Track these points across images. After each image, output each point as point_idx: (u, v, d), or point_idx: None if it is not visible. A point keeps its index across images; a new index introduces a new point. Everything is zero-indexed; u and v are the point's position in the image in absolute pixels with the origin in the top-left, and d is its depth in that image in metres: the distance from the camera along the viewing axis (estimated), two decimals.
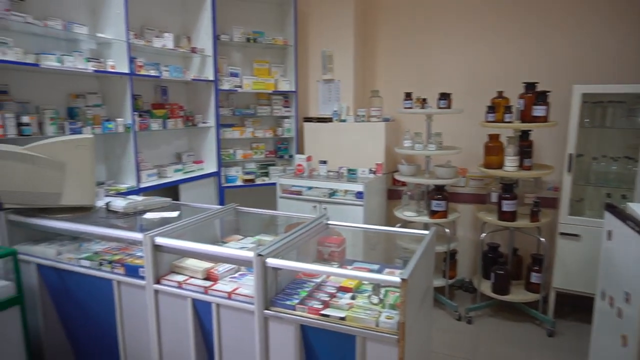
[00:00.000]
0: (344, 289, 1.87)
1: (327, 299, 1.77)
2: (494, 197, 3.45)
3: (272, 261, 1.74)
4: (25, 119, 2.48)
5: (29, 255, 2.34)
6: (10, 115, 2.41)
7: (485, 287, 3.46)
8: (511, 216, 3.24)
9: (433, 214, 3.48)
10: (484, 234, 3.47)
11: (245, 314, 1.79)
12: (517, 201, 3.24)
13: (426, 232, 2.10)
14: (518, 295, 3.35)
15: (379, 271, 2.08)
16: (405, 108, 3.57)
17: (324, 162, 3.96)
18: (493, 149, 3.35)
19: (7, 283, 2.12)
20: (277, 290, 1.81)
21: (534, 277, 3.32)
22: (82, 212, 2.48)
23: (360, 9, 4.20)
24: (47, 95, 2.84)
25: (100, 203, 2.63)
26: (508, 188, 3.24)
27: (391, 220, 3.95)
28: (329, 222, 2.33)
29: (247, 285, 1.88)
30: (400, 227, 3.43)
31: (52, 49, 2.79)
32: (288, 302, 1.73)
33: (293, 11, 4.14)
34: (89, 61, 2.84)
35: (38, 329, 2.38)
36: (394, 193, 4.16)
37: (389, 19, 4.22)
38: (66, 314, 2.36)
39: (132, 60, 3.07)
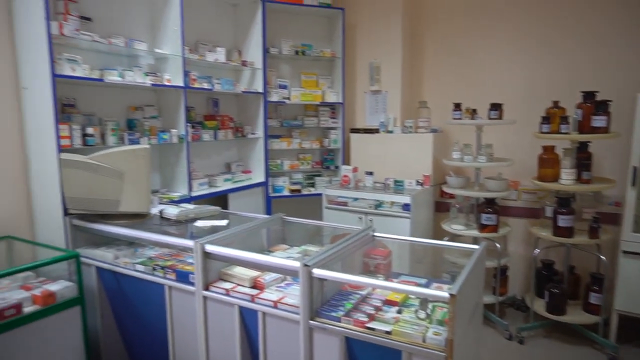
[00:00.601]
0: (390, 303, 1.85)
1: (373, 312, 1.75)
2: (548, 212, 3.30)
3: (318, 272, 1.75)
4: (89, 130, 2.65)
5: (90, 259, 2.48)
6: (77, 127, 2.57)
7: (539, 306, 3.30)
8: (568, 232, 3.08)
9: (483, 227, 3.37)
10: (537, 250, 3.32)
11: (290, 323, 1.81)
12: (574, 216, 3.08)
13: (476, 246, 2.04)
14: (575, 316, 3.17)
15: (426, 285, 2.04)
16: (454, 119, 3.50)
17: (370, 173, 3.95)
18: (548, 161, 3.21)
19: (70, 284, 2.25)
20: (322, 301, 1.82)
21: (593, 298, 3.13)
22: (138, 218, 2.60)
23: (408, 19, 4.19)
24: (109, 108, 3.02)
25: (155, 210, 2.74)
26: (564, 202, 3.09)
27: (438, 234, 3.86)
28: (375, 234, 2.31)
29: (293, 294, 1.90)
30: (448, 240, 3.35)
31: (115, 65, 2.97)
32: (333, 314, 1.73)
33: (341, 24, 4.18)
34: (147, 75, 3.00)
35: (96, 329, 2.51)
36: (441, 205, 4.07)
37: (438, 28, 4.18)
38: (121, 316, 2.48)
39: (186, 74, 3.21)
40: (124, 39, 2.83)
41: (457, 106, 3.50)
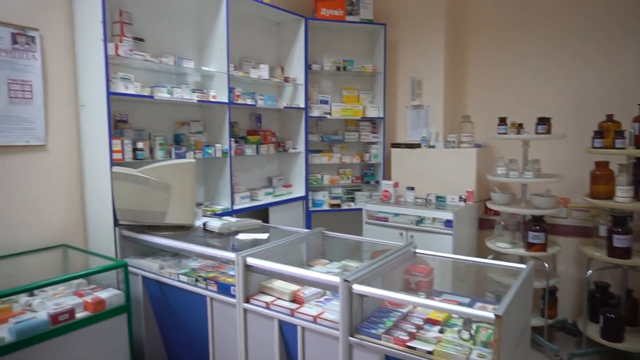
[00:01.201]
0: (431, 322, 1.80)
1: (414, 330, 1.71)
2: (602, 231, 3.12)
3: (358, 287, 1.73)
4: (139, 144, 2.77)
5: (137, 268, 2.58)
6: (128, 141, 2.70)
7: (593, 331, 3.11)
8: (624, 253, 2.90)
9: (530, 246, 3.23)
10: (590, 271, 3.15)
11: (329, 339, 1.80)
12: (631, 236, 2.90)
13: (522, 265, 1.96)
14: (634, 344, 2.96)
15: (470, 305, 1.97)
16: (500, 134, 3.40)
17: (412, 189, 3.90)
18: (601, 178, 3.05)
19: (118, 292, 2.34)
20: (362, 317, 1.79)
21: None
22: (182, 230, 2.68)
23: (450, 32, 4.14)
24: (158, 123, 3.15)
25: (199, 223, 2.82)
26: (620, 221, 2.92)
27: (482, 251, 3.73)
28: (417, 250, 2.27)
29: (332, 310, 1.89)
30: (492, 258, 3.23)
31: (164, 82, 3.10)
32: (373, 331, 1.70)
33: (383, 39, 4.19)
34: (194, 92, 3.11)
35: (141, 336, 2.59)
36: (485, 222, 3.95)
37: (481, 40, 4.11)
38: (164, 324, 2.55)
39: (231, 90, 3.31)
40: (173, 57, 2.96)
41: (502, 120, 3.40)
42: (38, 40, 2.54)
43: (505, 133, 3.38)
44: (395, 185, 3.93)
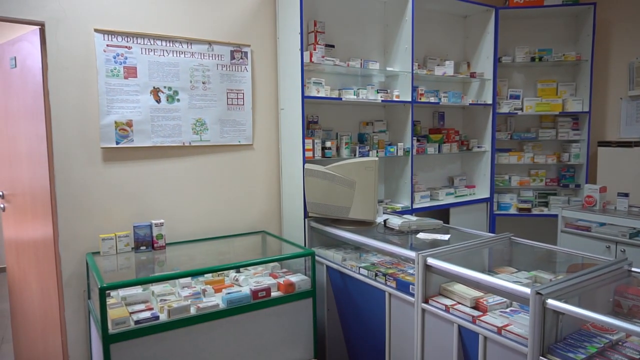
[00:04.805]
0: None
1: None
2: None
3: (553, 303, 1.54)
4: (327, 143, 3.00)
5: (322, 257, 2.79)
6: (318, 141, 2.94)
7: None
8: None
9: None
10: None
11: (516, 354, 1.65)
12: None
13: None
14: None
15: None
16: None
17: (625, 195, 3.29)
18: None
19: (305, 278, 2.58)
20: (557, 337, 1.60)
21: None
22: (364, 225, 2.79)
23: None
24: (344, 123, 3.35)
25: (379, 219, 2.90)
26: None
27: None
28: (633, 269, 1.90)
29: (520, 323, 1.73)
30: None
31: (350, 84, 3.28)
32: (571, 355, 1.50)
33: (591, 21, 3.63)
34: (378, 92, 3.21)
35: (323, 320, 2.80)
36: None
37: None
38: (344, 312, 2.70)
39: (414, 89, 3.31)
40: (360, 60, 3.10)
41: None
42: (249, 54, 2.96)
43: None
44: (602, 190, 3.37)
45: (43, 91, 2.41)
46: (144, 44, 2.60)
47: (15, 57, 2.61)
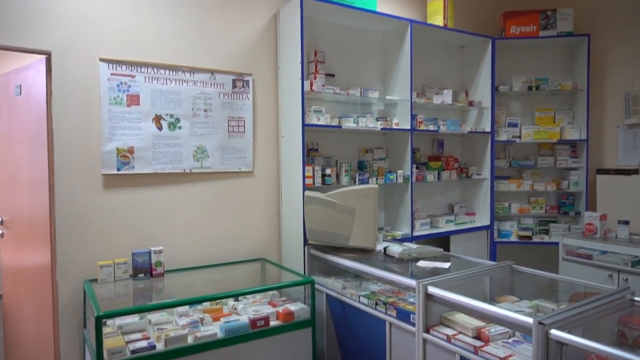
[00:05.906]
0: None
1: None
2: None
3: (556, 333, 1.52)
4: (327, 170, 3.01)
5: (321, 286, 2.76)
6: (318, 168, 2.96)
7: None
8: None
9: None
10: None
11: None
12: None
13: None
14: None
15: None
16: None
17: (625, 223, 3.28)
18: None
19: (305, 307, 2.54)
20: None
21: None
22: (364, 253, 2.78)
23: None
24: (344, 151, 3.38)
25: (379, 247, 2.88)
26: None
27: None
28: (636, 298, 1.88)
29: (522, 354, 1.70)
30: None
31: (350, 112, 3.32)
32: None
33: (586, 52, 3.71)
34: (377, 120, 3.24)
35: (322, 351, 2.74)
36: None
37: None
38: (344, 342, 2.65)
39: (413, 117, 3.34)
40: (360, 89, 3.15)
41: None
42: (251, 83, 3.01)
43: None
44: (603, 217, 3.36)
45: (47, 118, 2.44)
46: (147, 72, 2.65)
47: (20, 85, 2.66)
